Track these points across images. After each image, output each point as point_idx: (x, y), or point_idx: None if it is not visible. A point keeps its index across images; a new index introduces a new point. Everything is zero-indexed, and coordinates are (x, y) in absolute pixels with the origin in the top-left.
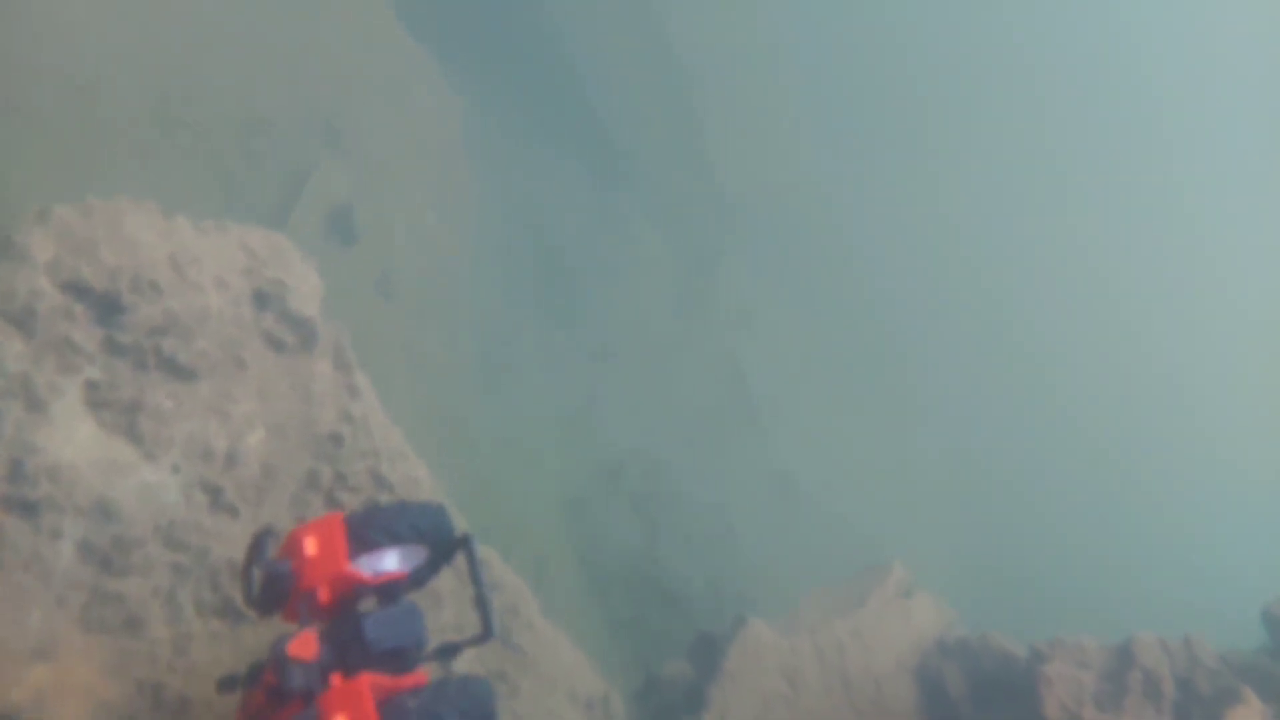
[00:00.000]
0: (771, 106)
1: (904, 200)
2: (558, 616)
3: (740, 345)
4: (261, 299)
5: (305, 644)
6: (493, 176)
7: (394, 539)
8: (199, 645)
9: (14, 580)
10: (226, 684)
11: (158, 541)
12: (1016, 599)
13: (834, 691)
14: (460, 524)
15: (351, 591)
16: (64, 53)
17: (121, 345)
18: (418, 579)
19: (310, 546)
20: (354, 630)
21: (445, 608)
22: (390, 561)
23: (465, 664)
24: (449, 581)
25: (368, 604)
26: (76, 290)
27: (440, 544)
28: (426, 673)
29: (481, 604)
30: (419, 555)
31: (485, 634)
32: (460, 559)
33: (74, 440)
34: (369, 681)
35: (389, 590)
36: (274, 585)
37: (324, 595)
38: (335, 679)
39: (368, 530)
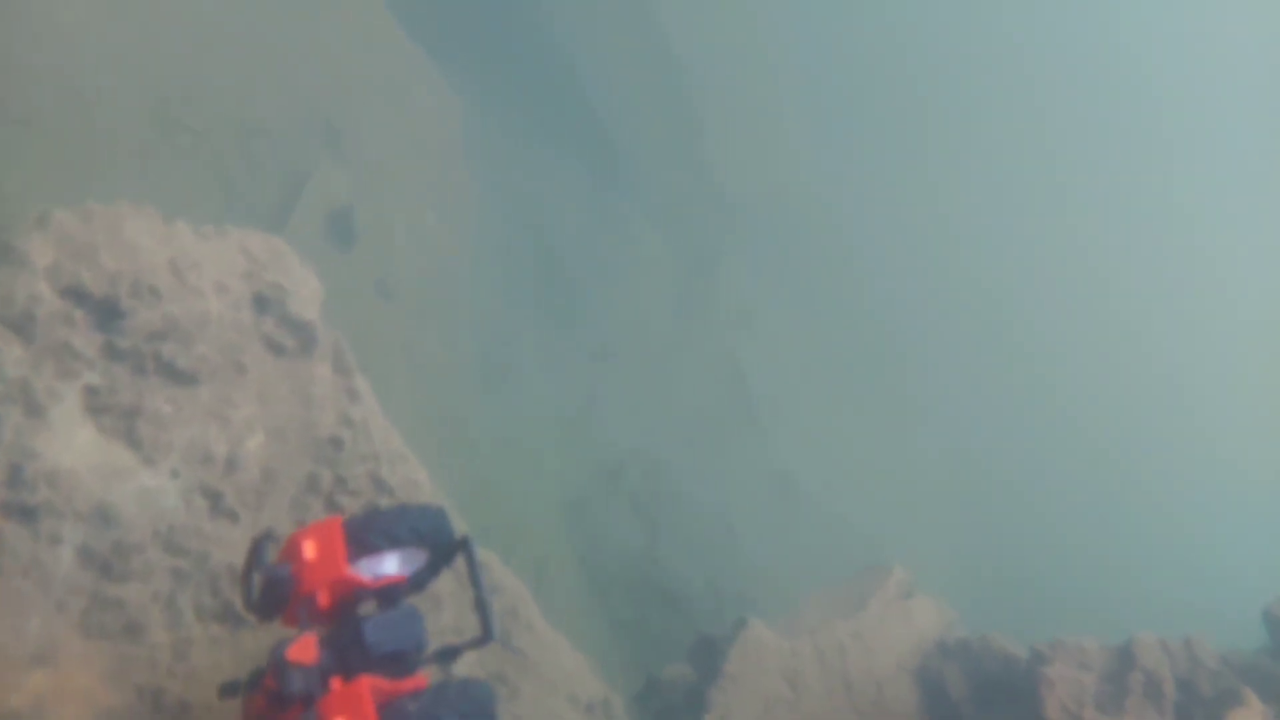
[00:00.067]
0: (771, 107)
1: (904, 200)
2: (558, 618)
3: (740, 345)
4: (261, 303)
5: (305, 648)
6: (492, 177)
7: (393, 542)
8: (199, 650)
9: (13, 586)
10: (228, 689)
11: (157, 546)
12: (1017, 599)
13: (835, 693)
14: (460, 526)
15: (351, 595)
16: (63, 56)
17: (121, 350)
18: (417, 582)
19: (309, 550)
20: (354, 634)
21: (445, 610)
22: (390, 565)
23: (465, 667)
24: (449, 584)
25: (367, 607)
26: (76, 295)
27: (440, 547)
28: (427, 676)
29: (481, 607)
30: (419, 558)
31: (485, 636)
32: (460, 562)
33: (73, 445)
34: (369, 685)
35: (389, 594)
36: (273, 589)
37: (323, 599)
38: (335, 683)
39: (367, 534)
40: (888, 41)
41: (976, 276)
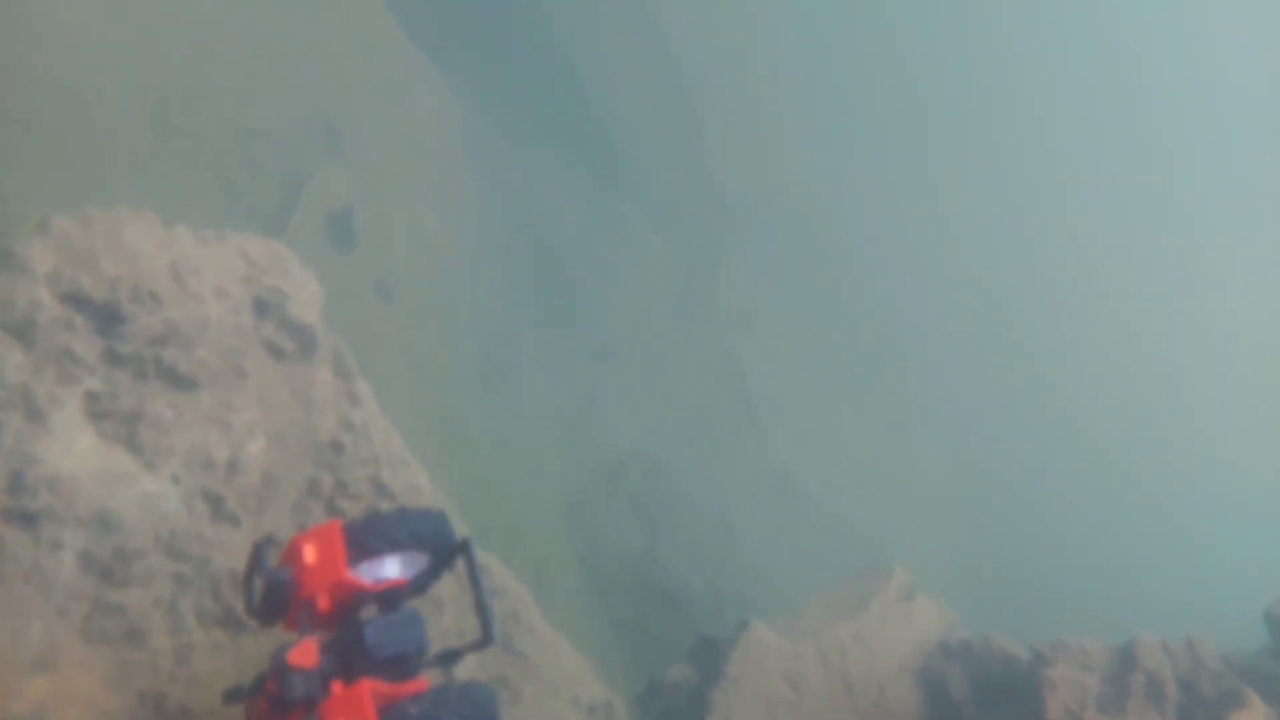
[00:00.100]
0: (770, 107)
1: (903, 200)
2: (558, 619)
3: (740, 346)
4: (261, 307)
5: (305, 652)
6: (492, 178)
7: (394, 546)
8: (201, 655)
9: (15, 592)
10: (233, 695)
11: (159, 552)
12: (1017, 599)
13: (837, 695)
14: (460, 529)
15: (352, 599)
16: (62, 59)
17: (122, 355)
18: (418, 585)
19: (309, 554)
20: (355, 637)
21: (446, 614)
22: (390, 568)
23: (467, 670)
24: (450, 587)
25: (369, 611)
26: (76, 301)
27: (440, 550)
28: (428, 679)
29: (481, 609)
30: (420, 561)
31: (485, 639)
32: (461, 564)
33: (74, 451)
34: (370, 688)
35: (390, 597)
36: (274, 594)
37: (324, 603)
38: (336, 687)
39: (367, 537)
40: (887, 42)
41: (976, 276)
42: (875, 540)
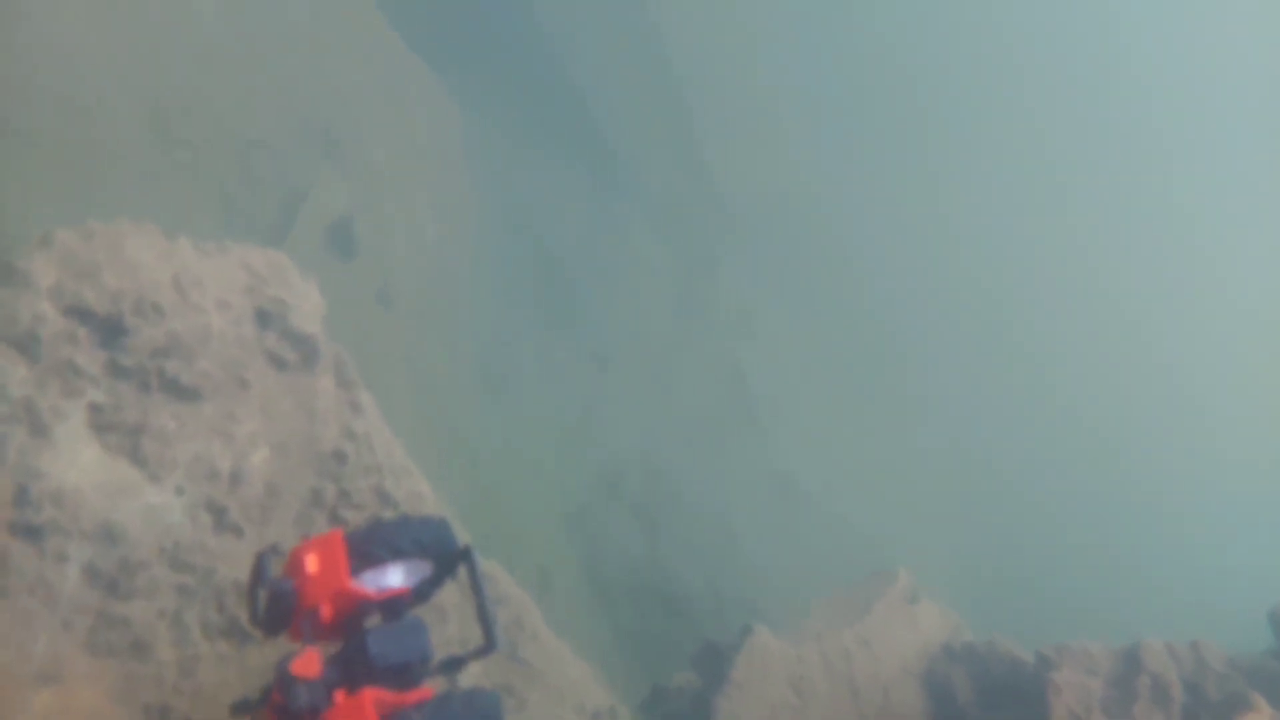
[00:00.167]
0: (769, 111)
1: (903, 201)
2: (561, 626)
3: (740, 348)
4: (263, 318)
5: (309, 662)
6: (492, 184)
7: (396, 554)
8: (205, 667)
9: (19, 605)
10: (240, 708)
11: (163, 563)
12: (1018, 599)
13: (842, 699)
14: (462, 537)
15: (355, 608)
16: (61, 73)
17: (125, 368)
18: (421, 594)
19: (311, 564)
20: (358, 646)
21: (450, 622)
22: (393, 577)
23: (472, 678)
24: (453, 595)
25: (372, 620)
26: (79, 314)
27: (443, 557)
28: (433, 688)
29: (483, 616)
30: (423, 570)
31: (488, 646)
32: (464, 572)
33: (78, 464)
34: (372, 697)
35: (393, 605)
36: (277, 604)
37: (326, 612)
38: (340, 696)
39: (369, 546)
40: (886, 44)
41: (976, 276)
42: (876, 541)
